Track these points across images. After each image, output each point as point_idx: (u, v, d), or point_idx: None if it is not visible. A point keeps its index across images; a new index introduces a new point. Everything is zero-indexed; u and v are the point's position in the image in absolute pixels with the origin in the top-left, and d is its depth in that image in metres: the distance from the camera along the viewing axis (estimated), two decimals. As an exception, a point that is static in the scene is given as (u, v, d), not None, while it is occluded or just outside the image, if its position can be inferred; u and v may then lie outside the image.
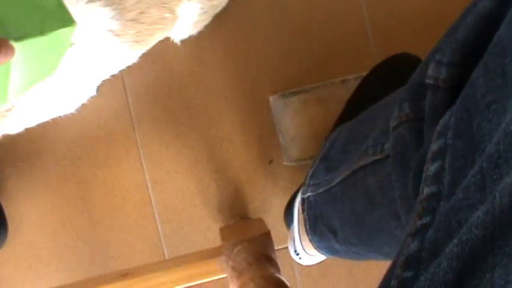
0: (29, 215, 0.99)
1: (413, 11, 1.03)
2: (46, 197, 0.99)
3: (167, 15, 0.77)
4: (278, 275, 0.73)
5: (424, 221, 0.44)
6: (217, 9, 0.91)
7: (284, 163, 1.01)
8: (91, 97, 0.86)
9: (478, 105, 0.44)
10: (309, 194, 0.84)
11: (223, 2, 0.91)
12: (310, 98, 0.98)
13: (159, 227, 1.01)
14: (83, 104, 0.85)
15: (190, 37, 0.95)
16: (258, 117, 1.01)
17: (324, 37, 1.02)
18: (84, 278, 0.94)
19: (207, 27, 0.95)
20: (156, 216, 1.00)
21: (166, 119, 1.00)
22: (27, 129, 0.84)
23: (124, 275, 0.86)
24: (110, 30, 0.71)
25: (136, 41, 0.77)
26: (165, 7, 0.76)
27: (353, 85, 0.96)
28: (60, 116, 0.83)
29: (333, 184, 0.77)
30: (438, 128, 0.49)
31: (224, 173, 1.01)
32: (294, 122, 0.98)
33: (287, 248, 1.01)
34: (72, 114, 0.84)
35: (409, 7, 1.03)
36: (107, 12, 0.69)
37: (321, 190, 0.81)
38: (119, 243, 1.00)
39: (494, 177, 0.39)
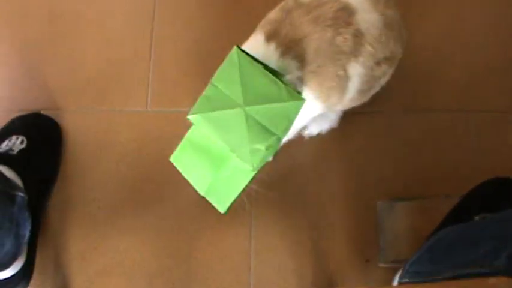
0: (132, 254, 1.06)
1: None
2: (152, 245, 1.07)
3: (340, 72, 0.91)
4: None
5: None
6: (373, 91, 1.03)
7: (379, 264, 1.06)
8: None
9: None
10: (406, 280, 0.88)
11: (378, 84, 1.02)
12: (416, 207, 1.06)
13: (251, 295, 1.05)
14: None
15: (318, 135, 1.08)
16: (362, 217, 1.09)
17: (437, 156, 1.13)
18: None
19: (334, 130, 1.09)
20: (251, 285, 1.05)
21: (281, 198, 1.09)
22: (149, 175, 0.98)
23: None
24: (298, 78, 0.88)
25: (318, 96, 0.92)
26: (338, 64, 0.90)
27: (455, 202, 1.04)
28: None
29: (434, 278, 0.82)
30: None
31: (322, 260, 1.06)
32: (396, 226, 1.05)
33: None
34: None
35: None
36: (295, 63, 0.88)
37: (419, 280, 0.86)
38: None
39: None
